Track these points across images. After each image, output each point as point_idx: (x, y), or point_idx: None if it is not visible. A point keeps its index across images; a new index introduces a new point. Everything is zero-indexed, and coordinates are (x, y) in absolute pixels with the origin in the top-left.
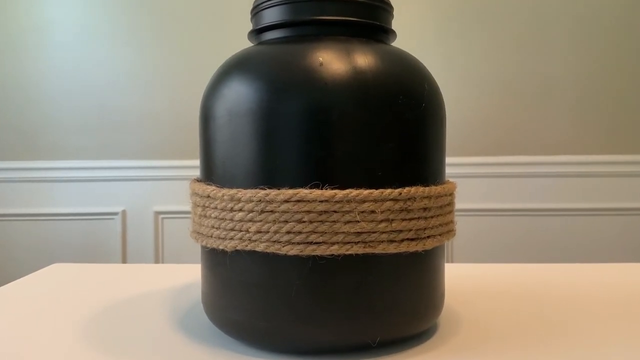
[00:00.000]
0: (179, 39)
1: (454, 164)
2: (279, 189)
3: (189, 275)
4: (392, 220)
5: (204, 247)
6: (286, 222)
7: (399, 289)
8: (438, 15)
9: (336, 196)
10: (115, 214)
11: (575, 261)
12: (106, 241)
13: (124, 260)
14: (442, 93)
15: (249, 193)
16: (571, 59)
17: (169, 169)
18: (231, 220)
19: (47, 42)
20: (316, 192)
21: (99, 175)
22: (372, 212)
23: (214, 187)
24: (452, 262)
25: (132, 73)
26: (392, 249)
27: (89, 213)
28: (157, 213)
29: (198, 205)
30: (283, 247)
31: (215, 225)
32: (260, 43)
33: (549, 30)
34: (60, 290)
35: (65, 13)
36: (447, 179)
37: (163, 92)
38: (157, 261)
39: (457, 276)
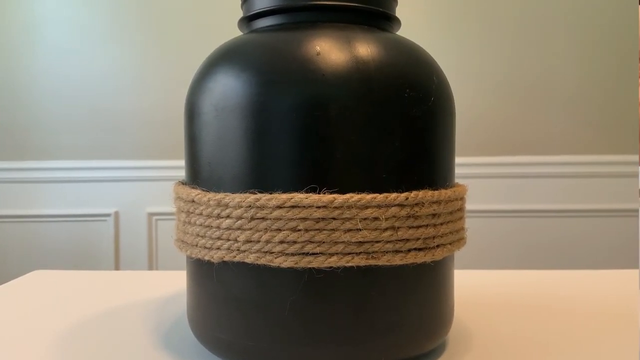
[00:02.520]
0: (171, 37)
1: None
2: (271, 194)
3: (179, 283)
4: (398, 228)
5: (188, 257)
6: (279, 230)
7: (405, 305)
8: (436, 14)
9: (335, 201)
10: (108, 215)
11: (574, 263)
12: (98, 243)
13: (117, 263)
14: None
15: (237, 198)
16: (575, 59)
17: (163, 169)
18: (218, 228)
19: (36, 41)
20: (313, 197)
21: (90, 176)
22: (376, 219)
23: (199, 191)
24: None
25: (125, 72)
26: (397, 260)
27: (80, 215)
28: (151, 214)
29: (182, 211)
30: (276, 258)
31: (201, 234)
32: (251, 31)
33: (553, 31)
34: (37, 300)
35: (55, 11)
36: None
37: (156, 91)
38: (150, 263)
39: (462, 285)
